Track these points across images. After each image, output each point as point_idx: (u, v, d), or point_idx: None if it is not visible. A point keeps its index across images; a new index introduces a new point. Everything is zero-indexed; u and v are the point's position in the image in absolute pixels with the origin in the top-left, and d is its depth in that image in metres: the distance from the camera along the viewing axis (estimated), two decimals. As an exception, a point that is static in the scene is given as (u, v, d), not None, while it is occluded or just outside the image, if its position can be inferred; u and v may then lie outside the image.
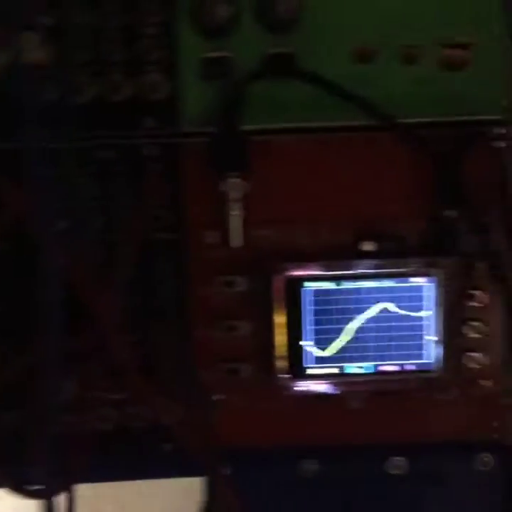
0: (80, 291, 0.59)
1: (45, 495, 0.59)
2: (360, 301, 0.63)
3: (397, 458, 0.67)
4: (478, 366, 0.66)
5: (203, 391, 0.64)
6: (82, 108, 0.61)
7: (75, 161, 0.61)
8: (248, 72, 0.61)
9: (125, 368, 0.61)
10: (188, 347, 0.65)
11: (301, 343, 0.64)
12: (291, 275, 0.62)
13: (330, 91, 0.60)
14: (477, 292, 0.65)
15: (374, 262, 0.63)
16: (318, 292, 0.63)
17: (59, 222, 0.60)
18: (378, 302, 0.63)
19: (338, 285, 0.63)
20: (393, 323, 0.63)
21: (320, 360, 0.64)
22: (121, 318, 0.61)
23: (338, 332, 0.63)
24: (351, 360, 0.64)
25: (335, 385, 0.65)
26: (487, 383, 0.66)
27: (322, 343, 0.63)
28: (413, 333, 0.63)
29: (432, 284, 0.63)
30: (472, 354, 0.65)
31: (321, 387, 0.65)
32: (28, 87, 0.53)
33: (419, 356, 0.64)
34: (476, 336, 0.65)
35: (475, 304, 0.65)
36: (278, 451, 0.67)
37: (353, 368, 0.64)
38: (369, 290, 0.63)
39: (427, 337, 0.64)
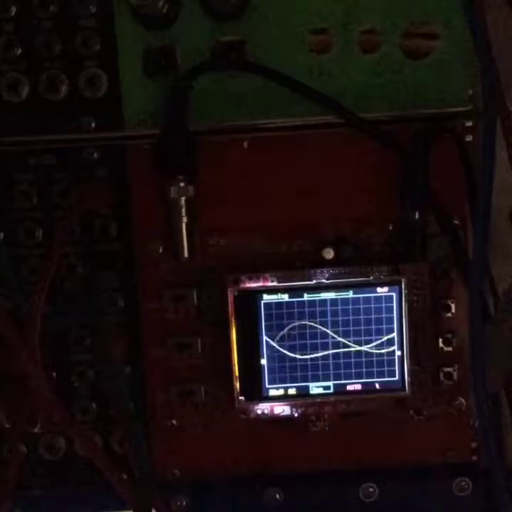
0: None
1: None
2: (321, 314, 0.58)
3: (367, 484, 0.62)
4: (452, 383, 0.60)
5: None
6: (16, 107, 0.57)
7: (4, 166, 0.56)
8: (194, 64, 0.56)
9: (41, 398, 0.56)
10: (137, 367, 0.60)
11: (259, 361, 0.58)
12: (246, 287, 0.58)
13: (283, 84, 0.56)
14: (450, 301, 0.59)
15: (335, 270, 0.58)
16: (276, 305, 0.58)
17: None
18: (340, 315, 0.58)
19: (297, 297, 0.58)
20: (357, 338, 0.58)
21: (280, 380, 0.59)
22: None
23: (299, 349, 0.58)
24: (313, 379, 0.59)
25: (297, 406, 0.59)
26: (463, 401, 0.61)
27: (282, 361, 0.58)
28: (379, 348, 0.58)
29: (399, 293, 0.58)
30: (446, 369, 0.60)
31: (281, 409, 0.59)
32: None
33: (387, 373, 0.59)
34: (450, 349, 0.60)
35: (448, 314, 0.59)
36: (238, 480, 0.62)
37: (315, 387, 0.59)
38: (331, 301, 0.58)
39: (394, 352, 0.58)
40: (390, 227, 0.59)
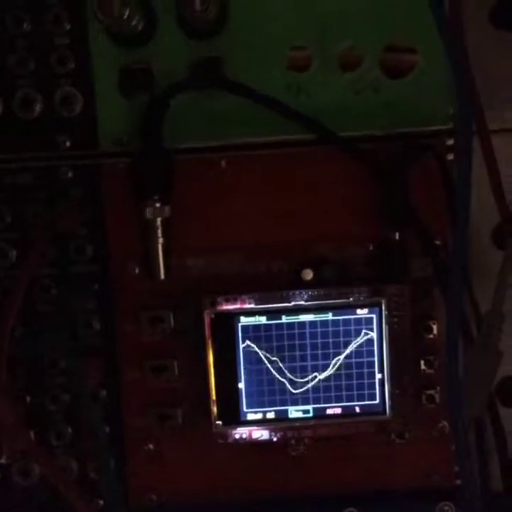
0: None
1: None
2: (300, 337, 0.57)
3: (349, 509, 0.61)
4: (434, 405, 0.59)
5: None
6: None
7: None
8: (170, 82, 0.54)
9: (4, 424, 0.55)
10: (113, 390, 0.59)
11: (237, 385, 0.57)
12: (223, 310, 0.57)
13: (260, 102, 0.55)
14: (431, 322, 0.58)
15: (314, 292, 0.56)
16: (253, 328, 0.56)
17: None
18: (319, 337, 0.57)
19: (275, 319, 0.57)
20: (336, 361, 0.57)
21: (258, 403, 0.58)
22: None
23: (277, 372, 0.57)
24: (292, 403, 0.58)
25: (276, 431, 0.58)
26: (445, 424, 0.60)
27: (260, 385, 0.57)
28: (359, 370, 0.57)
29: (379, 315, 0.56)
30: (428, 392, 0.59)
31: (260, 433, 0.58)
32: None
33: (367, 397, 0.58)
34: (431, 371, 0.59)
35: (429, 335, 0.58)
36: (215, 505, 0.61)
37: (294, 411, 0.57)
38: (310, 324, 0.57)
39: (374, 375, 0.57)
40: (370, 247, 0.58)
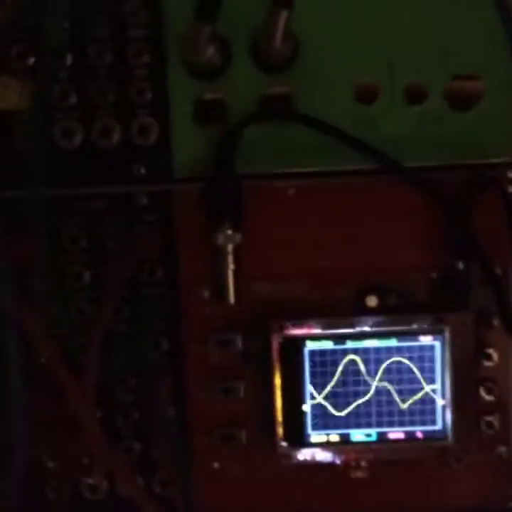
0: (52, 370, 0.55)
1: None
2: (364, 362, 0.58)
3: (407, 532, 0.62)
4: (493, 431, 0.60)
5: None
6: (69, 154, 0.58)
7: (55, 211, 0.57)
8: (243, 115, 0.57)
9: (94, 442, 0.56)
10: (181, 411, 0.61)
11: (302, 407, 0.59)
12: (291, 334, 0.58)
13: (329, 134, 0.56)
14: (491, 350, 0.59)
15: (378, 318, 0.58)
16: (319, 353, 0.58)
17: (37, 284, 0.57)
18: (383, 363, 0.58)
19: (340, 344, 0.58)
20: (400, 386, 0.58)
21: (323, 426, 0.59)
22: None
23: (342, 396, 0.59)
24: (355, 426, 0.59)
25: (338, 453, 0.60)
26: (504, 449, 0.61)
27: (325, 408, 0.59)
28: (421, 396, 0.58)
29: (442, 342, 0.58)
30: (487, 418, 0.60)
31: (323, 455, 0.60)
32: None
33: (429, 422, 0.59)
34: (491, 398, 0.60)
35: (489, 363, 0.60)
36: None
37: (357, 434, 0.59)
38: (374, 349, 0.58)
39: (437, 401, 0.59)
40: (434, 276, 0.59)
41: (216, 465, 0.62)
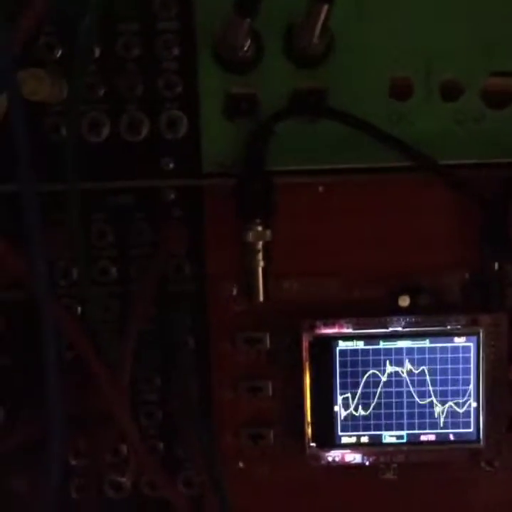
0: (84, 359, 0.54)
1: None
2: (396, 363, 0.57)
3: (435, 535, 0.61)
4: (525, 434, 0.59)
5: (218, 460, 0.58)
6: (98, 147, 0.57)
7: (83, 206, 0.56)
8: (274, 110, 0.55)
9: (129, 441, 0.56)
10: (208, 409, 0.60)
11: (333, 408, 0.58)
12: (322, 333, 0.57)
13: (362, 130, 0.55)
14: (524, 353, 0.59)
15: (411, 318, 0.57)
16: (351, 352, 0.57)
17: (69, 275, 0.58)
18: (416, 364, 0.57)
19: (372, 345, 0.57)
20: (432, 388, 0.57)
21: (353, 427, 0.58)
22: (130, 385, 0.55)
23: (373, 397, 0.58)
24: (386, 428, 0.58)
25: (369, 455, 0.59)
26: (535, 453, 0.60)
27: (355, 409, 0.58)
28: (454, 398, 0.57)
29: (477, 343, 0.57)
30: (519, 421, 0.59)
31: (353, 457, 0.59)
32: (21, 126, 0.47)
33: (461, 425, 0.58)
34: (524, 400, 0.59)
35: (522, 365, 0.59)
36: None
37: (388, 436, 0.58)
38: (406, 350, 0.57)
39: (469, 403, 0.58)
40: (467, 276, 0.58)
41: (241, 465, 0.61)
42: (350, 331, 0.57)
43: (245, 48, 0.53)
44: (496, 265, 0.57)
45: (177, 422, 0.60)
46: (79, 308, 0.59)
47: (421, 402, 0.58)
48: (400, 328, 0.57)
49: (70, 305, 0.58)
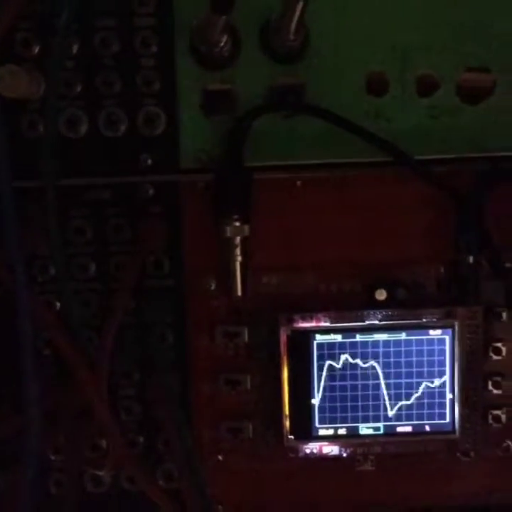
0: (63, 354, 0.55)
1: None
2: (373, 356, 0.58)
3: (413, 523, 0.62)
4: (500, 425, 0.60)
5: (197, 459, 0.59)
6: (76, 144, 0.57)
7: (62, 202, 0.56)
8: (252, 106, 0.56)
9: (108, 436, 0.56)
10: (187, 403, 0.60)
11: (310, 401, 0.58)
12: (299, 327, 0.58)
13: (339, 126, 0.56)
14: (500, 344, 0.59)
15: (387, 312, 0.58)
16: (328, 346, 0.58)
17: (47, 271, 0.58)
18: (392, 356, 0.58)
19: (349, 338, 0.58)
20: (408, 380, 0.58)
21: (330, 420, 0.59)
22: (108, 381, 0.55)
23: (350, 389, 0.58)
24: (363, 420, 0.59)
25: (346, 447, 0.59)
26: (510, 443, 0.61)
27: (333, 401, 0.58)
28: (430, 390, 0.58)
29: (452, 336, 0.58)
30: (494, 412, 0.60)
31: (330, 449, 0.59)
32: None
33: (437, 416, 0.59)
34: (499, 392, 0.60)
35: (498, 357, 0.60)
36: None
37: (364, 428, 0.59)
38: (383, 343, 0.58)
39: (445, 395, 0.59)
40: (442, 270, 0.59)
41: (221, 457, 0.61)
42: (327, 324, 0.58)
43: (222, 44, 0.53)
44: (471, 259, 0.57)
45: (156, 416, 0.60)
46: (57, 304, 0.58)
47: (397, 395, 0.59)
48: (376, 322, 0.58)
49: (49, 300, 0.58)
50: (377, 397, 0.59)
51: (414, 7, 0.56)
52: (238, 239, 0.57)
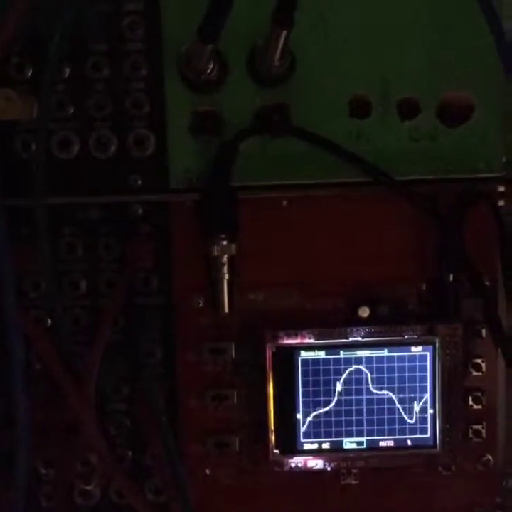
0: (50, 369, 0.56)
1: None
2: (356, 372, 0.59)
3: (396, 537, 0.63)
4: (480, 440, 0.62)
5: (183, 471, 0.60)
6: (67, 164, 0.59)
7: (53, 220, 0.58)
8: (239, 127, 0.57)
9: (96, 450, 0.57)
10: (175, 418, 0.62)
11: (294, 416, 0.60)
12: (284, 344, 0.59)
13: (322, 147, 0.58)
14: (479, 360, 0.61)
15: (370, 329, 0.59)
16: (312, 362, 0.59)
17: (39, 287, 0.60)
18: (375, 372, 0.59)
19: (333, 354, 0.59)
20: (390, 396, 0.59)
21: (315, 434, 0.60)
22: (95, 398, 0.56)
23: (334, 404, 0.60)
24: (347, 434, 0.60)
25: (330, 461, 0.61)
26: (490, 457, 0.62)
27: (317, 417, 0.60)
28: (411, 405, 0.59)
29: (433, 352, 0.59)
30: (475, 427, 0.61)
31: (315, 463, 0.61)
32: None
33: (418, 431, 0.60)
34: (479, 407, 0.61)
35: (478, 373, 0.61)
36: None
37: (348, 442, 0.60)
38: (366, 359, 0.59)
39: (426, 410, 0.60)
40: (424, 287, 0.61)
41: (208, 472, 0.62)
42: (311, 341, 0.59)
43: (209, 71, 0.55)
44: (451, 277, 0.59)
45: (144, 431, 0.61)
46: (49, 320, 0.60)
47: (380, 410, 0.60)
48: (359, 338, 0.59)
49: (40, 317, 0.60)
50: (360, 412, 0.60)
51: (396, 34, 0.58)
52: (225, 257, 0.58)
